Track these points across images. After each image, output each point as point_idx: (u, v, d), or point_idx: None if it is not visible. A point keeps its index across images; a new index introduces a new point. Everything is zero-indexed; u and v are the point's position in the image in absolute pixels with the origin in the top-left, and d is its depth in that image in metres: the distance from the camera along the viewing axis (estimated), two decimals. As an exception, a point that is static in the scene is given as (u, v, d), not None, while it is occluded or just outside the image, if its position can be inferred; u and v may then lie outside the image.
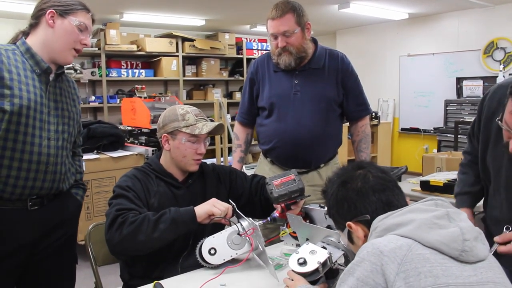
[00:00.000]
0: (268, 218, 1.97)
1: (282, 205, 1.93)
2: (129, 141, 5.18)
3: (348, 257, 1.60)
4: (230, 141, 6.05)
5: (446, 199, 1.29)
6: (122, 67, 7.22)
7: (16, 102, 1.73)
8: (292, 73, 2.52)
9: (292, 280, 1.52)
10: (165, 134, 2.03)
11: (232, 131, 6.00)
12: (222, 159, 6.12)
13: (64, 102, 1.95)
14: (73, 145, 2.06)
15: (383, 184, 1.32)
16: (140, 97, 6.48)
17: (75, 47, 1.89)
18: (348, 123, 2.74)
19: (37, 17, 1.85)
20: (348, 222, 1.33)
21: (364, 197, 1.31)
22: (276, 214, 1.96)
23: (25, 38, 1.87)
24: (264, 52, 8.60)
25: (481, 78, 6.87)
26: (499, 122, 1.50)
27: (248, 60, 8.50)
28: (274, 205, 1.96)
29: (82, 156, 2.24)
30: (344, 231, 1.38)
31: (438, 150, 6.89)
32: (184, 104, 4.51)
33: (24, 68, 1.80)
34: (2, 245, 1.80)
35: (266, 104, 2.56)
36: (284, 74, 2.54)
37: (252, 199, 2.17)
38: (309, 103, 2.48)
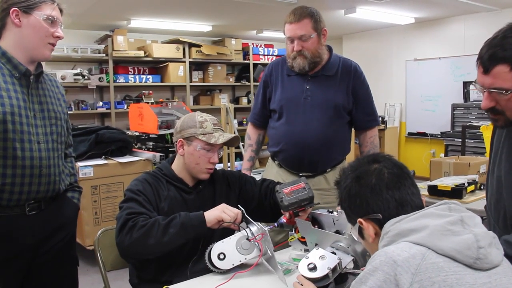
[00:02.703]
0: (275, 224, 1.98)
1: (290, 211, 1.94)
2: (136, 147, 5.20)
3: (358, 263, 1.60)
4: (237, 146, 6.07)
5: (459, 203, 1.27)
6: (130, 73, 7.26)
7: None
8: (305, 78, 2.56)
9: (302, 285, 1.52)
10: (181, 139, 2.05)
11: (239, 136, 6.00)
12: (229, 164, 6.14)
13: (50, 103, 1.93)
14: (64, 145, 2.04)
15: (398, 181, 1.29)
16: (147, 103, 6.51)
17: (49, 41, 1.84)
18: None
19: (1, 19, 1.80)
20: (359, 219, 1.32)
21: (377, 194, 1.28)
22: (283, 219, 1.97)
23: None
24: (270, 57, 8.68)
25: (488, 82, 6.83)
26: (471, 85, 1.49)
27: (255, 65, 8.52)
28: (282, 211, 1.97)
29: (74, 157, 2.23)
30: (355, 225, 1.36)
31: (446, 155, 6.86)
32: (191, 109, 4.50)
33: (3, 73, 1.77)
34: (4, 251, 1.80)
35: (277, 107, 2.61)
36: (296, 78, 2.58)
37: (262, 203, 2.18)
38: (318, 108, 2.51)
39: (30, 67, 1.84)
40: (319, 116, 2.51)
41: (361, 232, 1.36)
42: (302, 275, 1.53)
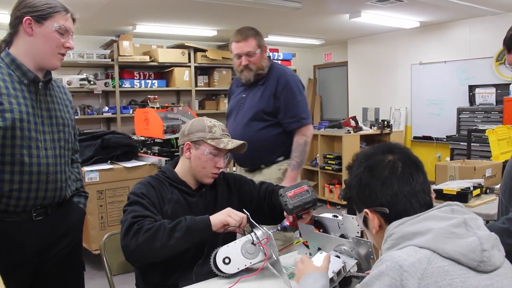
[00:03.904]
0: (279, 227, 1.99)
1: (294, 214, 1.94)
2: (142, 151, 5.22)
3: (361, 266, 1.60)
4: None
5: (462, 204, 1.27)
6: (135, 77, 7.29)
7: (8, 117, 1.71)
8: (244, 88, 3.06)
9: (303, 264, 1.53)
10: (189, 142, 2.06)
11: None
12: (234, 168, 6.13)
13: (58, 110, 1.93)
14: (71, 151, 2.05)
15: (410, 176, 1.28)
16: (153, 108, 6.54)
17: (59, 51, 1.84)
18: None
19: (14, 26, 1.80)
20: (366, 210, 1.31)
21: (387, 188, 1.27)
22: (286, 223, 1.97)
23: (9, 47, 1.83)
24: (276, 61, 8.68)
25: (494, 85, 6.81)
26: (506, 66, 1.61)
27: (260, 69, 8.52)
28: (285, 214, 1.97)
29: (80, 163, 2.24)
30: (360, 214, 1.36)
31: (451, 159, 6.83)
32: (196, 114, 4.51)
33: (12, 80, 1.77)
34: (11, 256, 1.81)
35: (227, 113, 3.18)
36: (240, 88, 3.10)
37: (261, 206, 2.20)
38: (245, 113, 2.97)
39: (38, 74, 1.85)
40: (245, 121, 2.96)
41: (365, 221, 1.35)
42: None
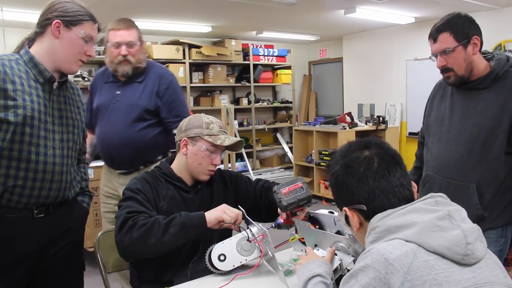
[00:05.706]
0: (273, 224, 1.98)
1: (288, 211, 1.93)
2: (137, 148, 5.19)
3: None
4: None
5: (445, 196, 1.26)
6: (130, 74, 7.24)
7: (20, 113, 1.72)
8: (117, 85, 2.85)
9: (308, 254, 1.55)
10: (186, 138, 2.05)
11: (240, 136, 6.06)
12: (229, 165, 6.14)
13: (69, 110, 1.95)
14: (78, 152, 2.06)
15: (387, 171, 1.26)
16: (148, 104, 6.50)
17: (80, 58, 1.88)
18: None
19: (42, 26, 1.83)
20: (345, 208, 1.31)
21: (363, 184, 1.26)
22: (281, 220, 1.97)
23: (31, 45, 1.86)
24: (271, 58, 8.68)
25: (489, 81, 6.82)
26: (430, 58, 2.17)
27: (255, 66, 8.52)
28: (280, 212, 1.96)
29: (87, 163, 2.25)
30: (341, 212, 1.35)
31: (446, 154, 6.85)
32: (192, 110, 4.50)
33: (28, 77, 1.80)
34: (10, 253, 1.80)
35: (94, 112, 2.91)
36: (111, 85, 2.88)
37: (257, 203, 2.19)
38: (123, 111, 2.78)
39: (55, 74, 1.87)
40: (123, 118, 2.76)
41: (347, 219, 1.34)
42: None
